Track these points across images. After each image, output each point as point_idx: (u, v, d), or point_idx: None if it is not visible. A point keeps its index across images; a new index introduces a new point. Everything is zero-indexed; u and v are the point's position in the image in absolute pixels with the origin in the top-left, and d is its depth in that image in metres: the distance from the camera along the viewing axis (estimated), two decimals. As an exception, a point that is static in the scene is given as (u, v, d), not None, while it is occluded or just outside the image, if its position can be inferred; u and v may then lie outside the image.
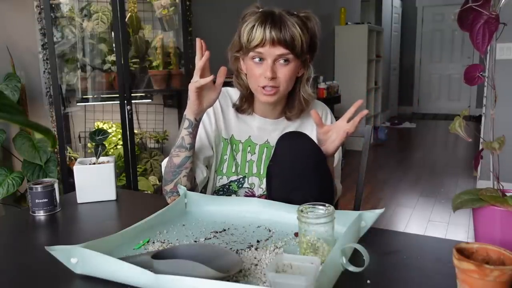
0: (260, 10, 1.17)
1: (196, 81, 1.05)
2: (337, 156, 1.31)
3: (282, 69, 1.15)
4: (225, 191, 1.26)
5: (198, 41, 1.05)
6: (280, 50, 1.13)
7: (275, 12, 1.15)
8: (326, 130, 1.14)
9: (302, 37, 1.14)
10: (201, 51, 1.05)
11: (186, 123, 1.12)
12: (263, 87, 1.16)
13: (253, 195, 1.25)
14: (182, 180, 1.15)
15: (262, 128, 1.28)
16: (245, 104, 1.26)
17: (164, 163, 1.23)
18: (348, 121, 1.13)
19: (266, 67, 1.14)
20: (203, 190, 1.28)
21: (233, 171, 1.25)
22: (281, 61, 1.14)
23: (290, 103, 1.27)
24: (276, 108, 1.27)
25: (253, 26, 1.13)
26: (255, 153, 1.26)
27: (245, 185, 1.25)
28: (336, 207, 1.42)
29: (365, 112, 1.13)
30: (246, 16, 1.18)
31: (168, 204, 1.12)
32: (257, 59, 1.15)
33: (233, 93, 1.30)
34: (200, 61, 1.05)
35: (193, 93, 1.07)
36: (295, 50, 1.14)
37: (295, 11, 1.18)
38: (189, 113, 1.11)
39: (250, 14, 1.18)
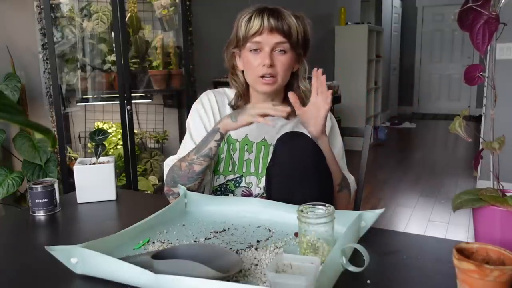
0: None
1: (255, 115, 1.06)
2: (341, 150, 1.31)
3: (280, 58, 1.18)
4: (223, 190, 1.26)
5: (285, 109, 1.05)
6: (277, 38, 1.16)
7: (271, 6, 1.19)
8: (305, 109, 1.16)
9: (298, 28, 1.18)
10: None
11: (217, 136, 1.12)
12: (262, 77, 1.17)
13: (250, 194, 1.25)
14: (195, 185, 1.17)
15: (259, 125, 1.28)
16: (241, 101, 1.27)
17: (167, 163, 1.22)
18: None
19: (264, 55, 1.17)
20: (202, 190, 1.28)
21: (229, 170, 1.25)
22: (278, 51, 1.17)
23: (289, 100, 1.27)
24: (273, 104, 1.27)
25: (251, 16, 1.17)
26: (252, 152, 1.26)
27: (242, 184, 1.25)
28: (356, 205, 1.41)
29: (321, 74, 1.14)
30: (242, 15, 1.21)
31: (169, 203, 1.12)
32: (254, 50, 1.18)
33: (230, 93, 1.31)
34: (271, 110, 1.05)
35: (252, 119, 1.07)
36: (292, 39, 1.17)
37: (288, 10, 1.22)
38: (224, 128, 1.11)
39: (246, 12, 1.21)
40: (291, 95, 1.16)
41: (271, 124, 1.06)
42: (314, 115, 1.14)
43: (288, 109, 1.07)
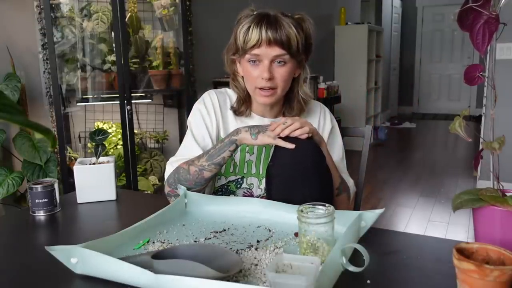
0: (255, 12, 1.18)
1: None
2: (341, 152, 1.31)
3: (279, 70, 1.16)
4: (224, 191, 1.26)
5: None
6: (276, 51, 1.13)
7: (270, 14, 1.15)
8: None
9: (298, 37, 1.15)
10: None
11: (233, 147, 1.12)
12: (261, 89, 1.16)
13: (251, 196, 1.25)
14: (200, 190, 1.17)
15: None
16: (242, 106, 1.26)
17: (171, 163, 1.22)
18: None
19: (263, 68, 1.14)
20: (203, 190, 1.28)
21: (231, 171, 1.25)
22: (277, 62, 1.15)
23: (288, 104, 1.27)
24: (274, 108, 1.27)
25: (249, 27, 1.14)
26: (253, 153, 1.26)
27: (244, 185, 1.25)
28: (356, 205, 1.42)
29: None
30: (241, 19, 1.19)
31: (169, 203, 1.12)
32: (253, 61, 1.16)
33: (232, 94, 1.30)
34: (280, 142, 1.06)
35: (274, 141, 1.07)
36: (291, 50, 1.14)
37: (289, 13, 1.19)
38: (241, 142, 1.11)
39: (245, 16, 1.18)
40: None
41: (292, 146, 1.05)
42: None
43: (307, 129, 1.06)
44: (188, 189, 1.15)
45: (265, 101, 1.19)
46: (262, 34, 1.12)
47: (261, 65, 1.15)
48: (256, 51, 1.14)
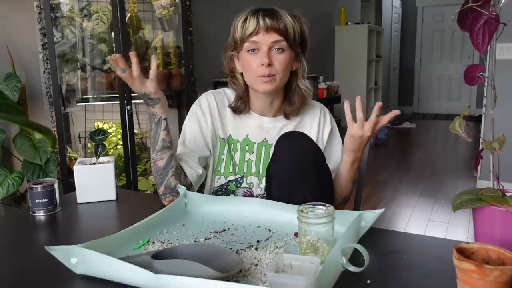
0: None
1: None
2: (340, 153, 1.31)
3: (277, 57, 1.18)
4: (223, 191, 1.26)
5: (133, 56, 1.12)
6: (274, 37, 1.16)
7: (266, 7, 1.19)
8: (353, 134, 1.13)
9: (294, 26, 1.19)
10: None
11: (163, 124, 1.13)
12: (261, 77, 1.17)
13: (251, 195, 1.25)
14: (170, 180, 1.16)
15: (260, 126, 1.28)
16: (241, 104, 1.27)
17: None
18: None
19: (262, 54, 1.17)
20: (202, 190, 1.28)
21: (230, 171, 1.25)
22: (276, 50, 1.17)
23: (288, 99, 1.28)
24: (273, 104, 1.27)
25: (246, 18, 1.18)
26: (253, 152, 1.26)
27: (243, 184, 1.25)
28: (356, 205, 1.42)
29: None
30: (237, 18, 1.22)
31: (165, 206, 1.12)
32: (252, 50, 1.18)
33: (230, 93, 1.31)
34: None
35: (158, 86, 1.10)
36: (289, 38, 1.17)
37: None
38: (161, 112, 1.13)
39: (241, 14, 1.21)
40: (345, 104, 1.11)
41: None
42: (358, 142, 1.13)
43: (135, 59, 1.13)
44: (160, 184, 1.16)
45: (265, 89, 1.19)
46: (259, 21, 1.15)
47: (260, 53, 1.17)
48: (254, 38, 1.16)
